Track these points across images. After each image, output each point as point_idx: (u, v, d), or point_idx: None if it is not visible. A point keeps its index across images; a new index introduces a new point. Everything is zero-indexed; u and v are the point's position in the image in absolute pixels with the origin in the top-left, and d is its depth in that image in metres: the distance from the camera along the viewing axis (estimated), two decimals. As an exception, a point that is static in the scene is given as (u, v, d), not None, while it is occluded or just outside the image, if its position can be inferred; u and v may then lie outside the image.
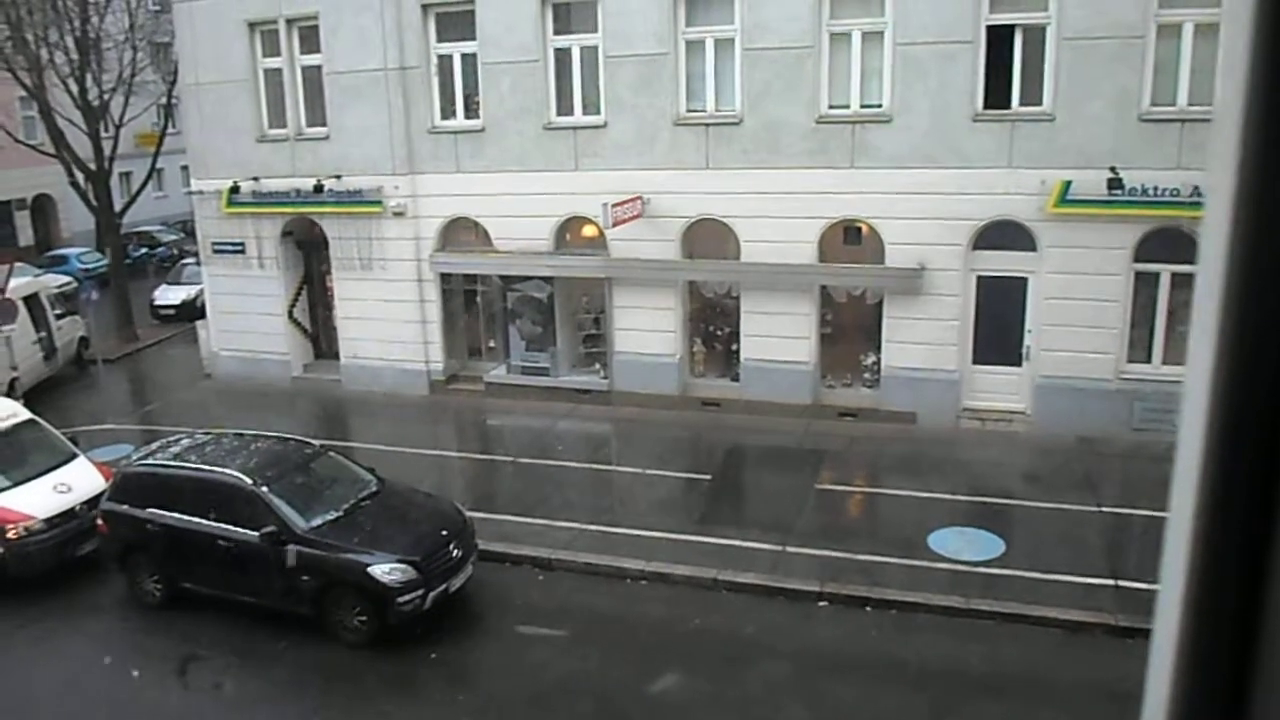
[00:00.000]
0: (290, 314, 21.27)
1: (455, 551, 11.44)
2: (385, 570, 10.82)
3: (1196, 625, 0.87)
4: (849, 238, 16.96)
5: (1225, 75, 0.79)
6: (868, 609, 11.41)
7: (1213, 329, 0.81)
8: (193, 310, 25.57)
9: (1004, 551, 12.33)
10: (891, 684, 10.12)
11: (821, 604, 11.57)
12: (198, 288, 24.35)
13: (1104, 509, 13.27)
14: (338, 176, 19.36)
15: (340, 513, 11.57)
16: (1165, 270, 15.31)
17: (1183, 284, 15.17)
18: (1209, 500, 0.84)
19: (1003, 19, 15.39)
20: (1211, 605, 0.86)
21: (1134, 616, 10.44)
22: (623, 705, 10.07)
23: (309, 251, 21.23)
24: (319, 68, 19.43)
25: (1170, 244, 14.81)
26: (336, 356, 20.84)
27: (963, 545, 12.49)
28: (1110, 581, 11.32)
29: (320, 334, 21.85)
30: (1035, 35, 15.31)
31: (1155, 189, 14.68)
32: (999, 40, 15.46)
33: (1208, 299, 0.82)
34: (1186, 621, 0.87)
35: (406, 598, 10.82)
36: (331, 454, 13.03)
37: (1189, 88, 14.59)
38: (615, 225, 16.60)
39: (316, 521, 11.33)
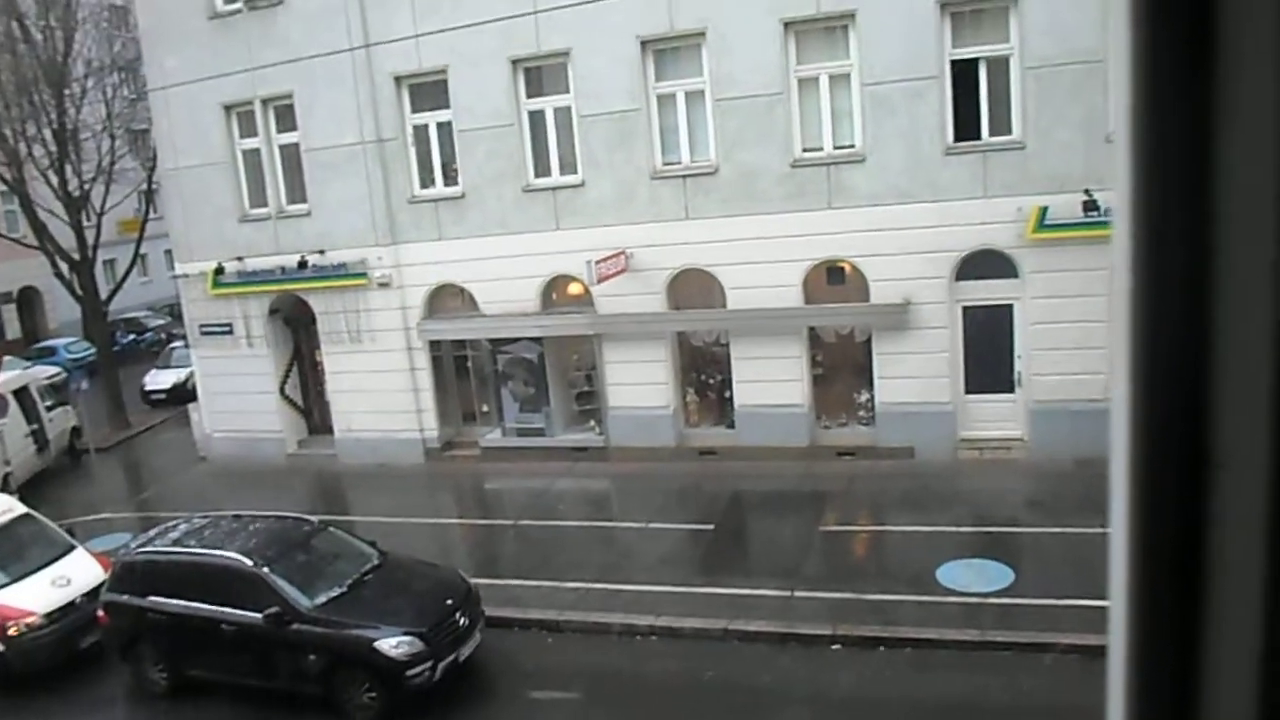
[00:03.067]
0: (282, 391, 21.24)
1: (462, 620, 11.33)
2: (392, 644, 10.70)
3: (1143, 629, 0.90)
4: (833, 277, 17.07)
5: (1116, 103, 0.85)
6: (881, 649, 11.31)
7: (1127, 341, 0.86)
8: (184, 393, 25.48)
9: (1014, 580, 12.27)
10: (911, 723, 10.01)
11: (835, 647, 11.47)
12: (187, 370, 24.32)
13: (1108, 530, 13.20)
14: (321, 251, 19.46)
15: (344, 588, 11.44)
16: (1148, 288, 15.39)
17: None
18: (1142, 509, 0.87)
19: (966, 53, 15.66)
20: (1154, 609, 0.90)
21: (1149, 637, 10.35)
22: (642, 765, 9.94)
23: (297, 328, 21.26)
24: (297, 145, 19.60)
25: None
26: (330, 431, 20.78)
27: (972, 577, 12.43)
28: (1121, 603, 11.24)
29: (313, 409, 21.80)
30: (999, 66, 15.58)
31: (1131, 209, 14.80)
32: (964, 74, 15.72)
33: (1122, 314, 0.87)
34: (1134, 627, 0.90)
35: (416, 670, 10.69)
36: (331, 529, 12.93)
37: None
38: (600, 281, 16.67)
39: (320, 599, 11.21)
